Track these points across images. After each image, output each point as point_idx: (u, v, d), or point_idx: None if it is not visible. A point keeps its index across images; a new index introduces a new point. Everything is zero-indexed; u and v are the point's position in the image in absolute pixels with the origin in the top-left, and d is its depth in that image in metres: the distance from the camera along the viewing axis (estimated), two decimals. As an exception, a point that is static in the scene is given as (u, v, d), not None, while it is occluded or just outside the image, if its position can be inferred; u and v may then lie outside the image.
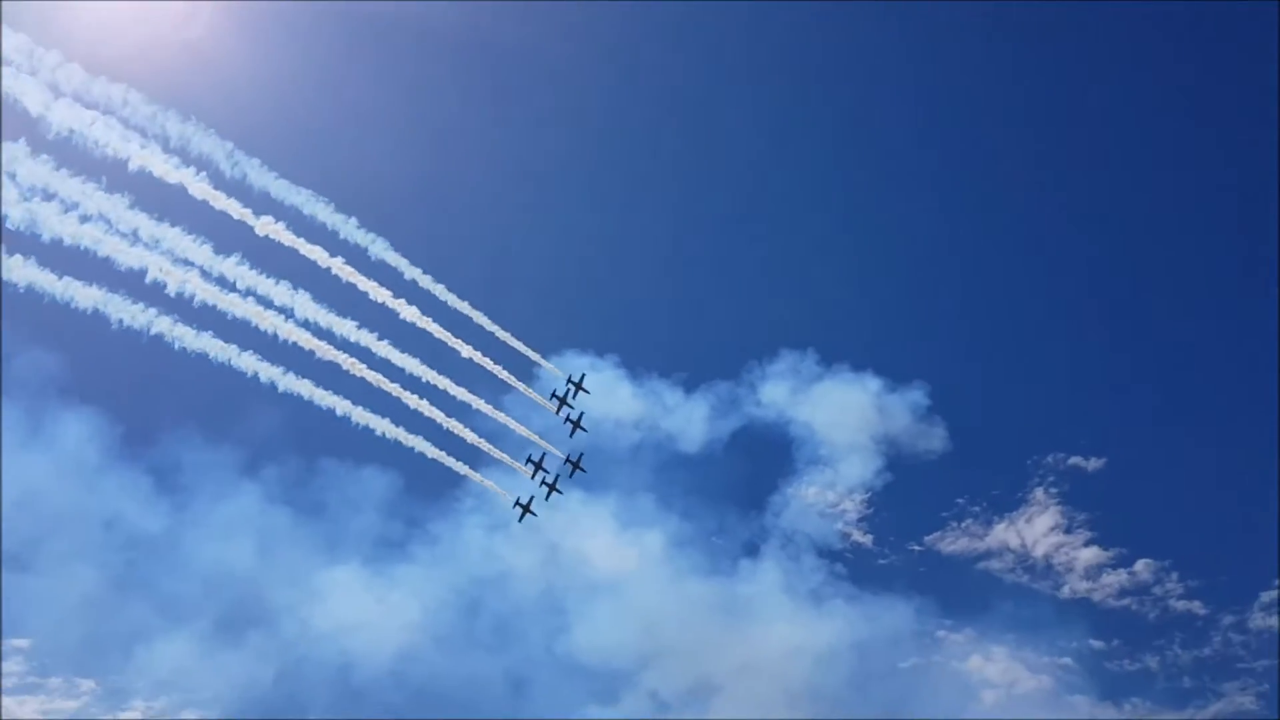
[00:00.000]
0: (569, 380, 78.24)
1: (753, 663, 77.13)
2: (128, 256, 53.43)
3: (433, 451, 68.33)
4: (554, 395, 77.74)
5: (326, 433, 65.48)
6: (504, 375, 69.10)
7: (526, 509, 76.57)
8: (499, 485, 74.20)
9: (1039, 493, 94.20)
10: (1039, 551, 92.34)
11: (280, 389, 62.36)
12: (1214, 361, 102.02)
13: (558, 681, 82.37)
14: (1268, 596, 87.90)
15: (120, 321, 55.42)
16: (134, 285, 55.23)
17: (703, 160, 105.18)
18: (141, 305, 56.05)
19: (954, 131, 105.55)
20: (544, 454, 76.60)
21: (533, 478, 76.47)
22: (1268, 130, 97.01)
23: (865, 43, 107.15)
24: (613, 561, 75.62)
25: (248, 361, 60.53)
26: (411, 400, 66.19)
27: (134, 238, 53.51)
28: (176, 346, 57.41)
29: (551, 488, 76.87)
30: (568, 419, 78.23)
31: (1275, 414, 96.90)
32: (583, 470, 78.61)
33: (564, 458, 77.82)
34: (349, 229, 61.78)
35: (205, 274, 56.25)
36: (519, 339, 70.16)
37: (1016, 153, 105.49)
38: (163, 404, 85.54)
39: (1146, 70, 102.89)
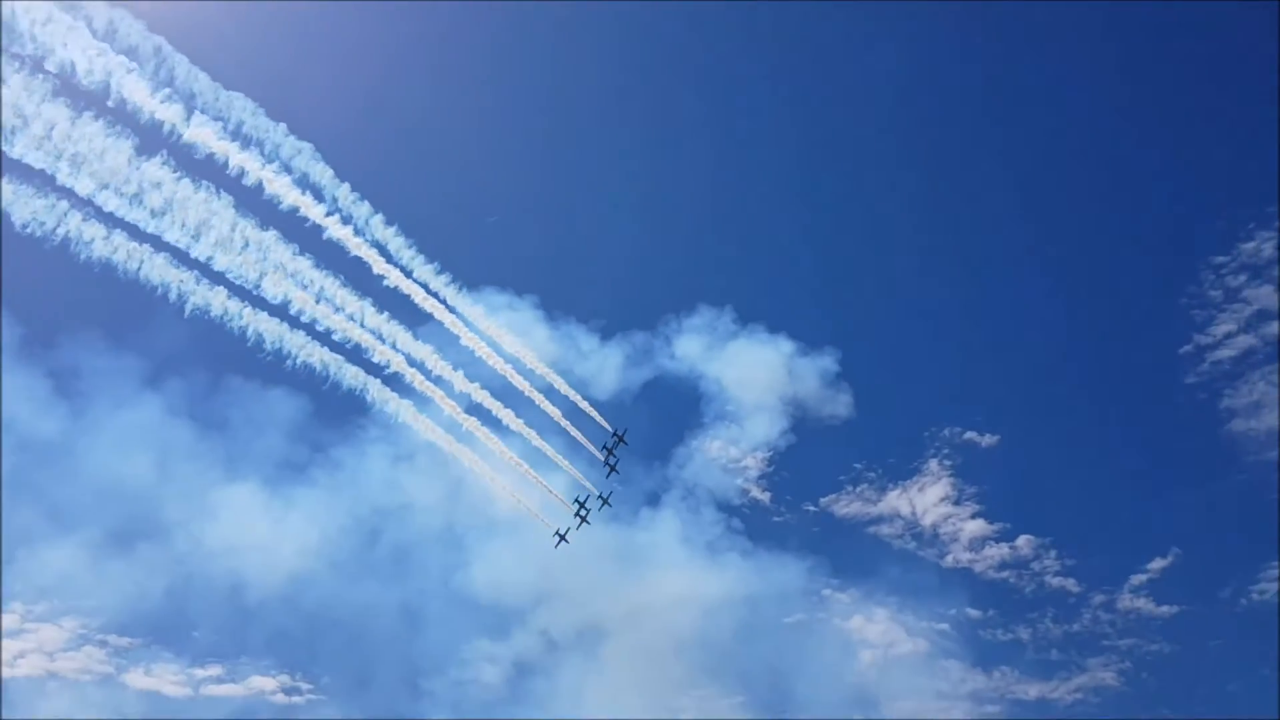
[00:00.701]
0: (614, 433, 78.66)
1: (644, 609, 78.65)
2: (38, 157, 51.53)
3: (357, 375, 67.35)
4: (605, 448, 78.46)
5: (236, 350, 63.89)
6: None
7: (563, 538, 76.72)
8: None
9: (933, 464, 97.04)
10: (928, 520, 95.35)
11: (190, 301, 60.83)
12: (1113, 354, 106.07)
13: (451, 614, 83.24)
14: (1137, 579, 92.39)
15: (26, 223, 53.51)
16: (41, 184, 53.35)
17: (641, 111, 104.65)
18: (49, 202, 54.07)
19: (883, 101, 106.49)
20: (589, 496, 77.59)
21: (577, 514, 76.90)
22: (1170, 121, 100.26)
23: (801, 5, 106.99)
24: (515, 501, 75.89)
25: (158, 269, 58.80)
26: (331, 321, 65.02)
27: (47, 137, 51.58)
28: (83, 256, 55.64)
29: (584, 519, 77.68)
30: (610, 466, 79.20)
31: (1161, 407, 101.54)
32: (609, 505, 79.60)
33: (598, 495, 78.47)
34: (279, 136, 59.96)
35: (122, 178, 54.50)
36: (445, 270, 69.40)
37: (939, 128, 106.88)
38: (66, 308, 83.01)
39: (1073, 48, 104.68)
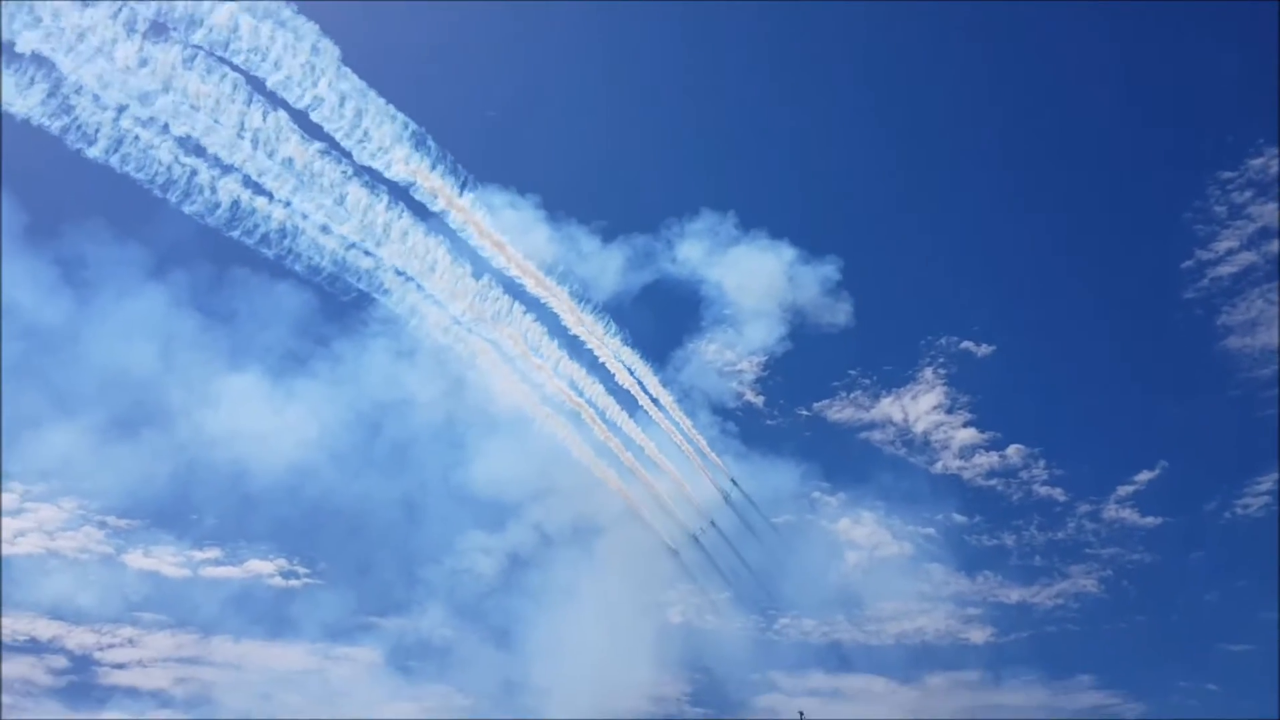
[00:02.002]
0: (731, 479, 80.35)
1: (638, 507, 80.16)
2: (39, 42, 50.97)
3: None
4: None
5: (241, 242, 63.91)
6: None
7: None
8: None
9: (928, 372, 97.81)
10: (919, 428, 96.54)
11: (196, 192, 60.67)
12: (1115, 267, 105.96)
13: (448, 508, 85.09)
14: (1124, 490, 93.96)
15: (29, 111, 53.21)
16: (44, 71, 52.87)
17: (649, 10, 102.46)
18: (51, 87, 53.64)
19: (894, 8, 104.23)
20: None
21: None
22: (1181, 34, 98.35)
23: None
24: (515, 399, 76.86)
25: (163, 158, 58.58)
26: (336, 214, 64.85)
27: (50, 23, 50.97)
28: (87, 144, 55.45)
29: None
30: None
31: (1158, 322, 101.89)
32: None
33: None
34: (286, 16, 58.68)
35: (126, 65, 53.90)
36: (447, 166, 68.90)
37: (945, 41, 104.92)
38: (70, 197, 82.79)
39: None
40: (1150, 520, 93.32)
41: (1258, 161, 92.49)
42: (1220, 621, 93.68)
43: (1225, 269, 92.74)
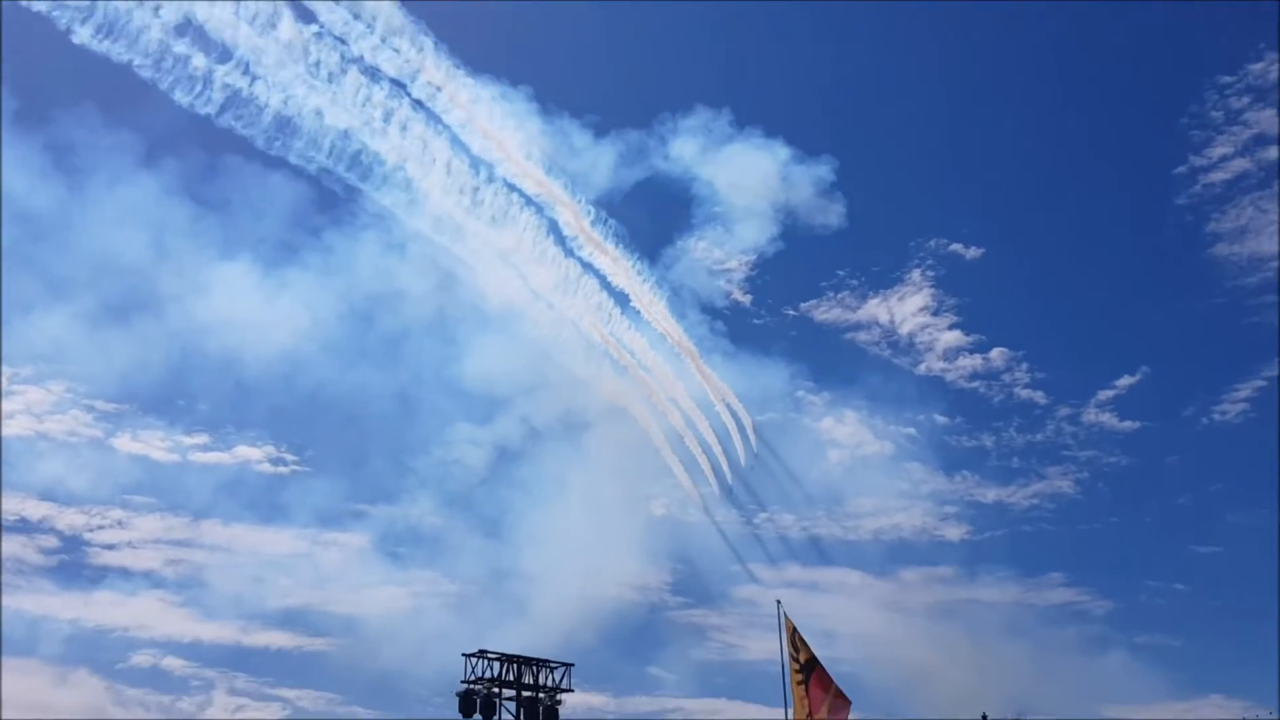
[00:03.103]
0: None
1: (625, 404, 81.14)
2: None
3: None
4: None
5: (234, 130, 63.05)
6: None
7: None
8: None
9: (916, 274, 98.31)
10: (905, 329, 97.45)
11: (189, 79, 59.52)
12: (1108, 172, 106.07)
13: (437, 400, 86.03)
14: (1104, 395, 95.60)
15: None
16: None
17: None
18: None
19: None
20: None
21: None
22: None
23: None
24: (506, 295, 77.05)
25: (156, 44, 57.37)
26: (329, 102, 63.92)
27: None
28: (78, 35, 54.24)
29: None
30: None
31: (1148, 227, 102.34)
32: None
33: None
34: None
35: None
36: (440, 54, 67.68)
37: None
38: (63, 83, 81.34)
39: None
40: (1128, 424, 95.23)
41: (1257, 66, 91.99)
42: (1191, 524, 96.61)
43: (1218, 175, 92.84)
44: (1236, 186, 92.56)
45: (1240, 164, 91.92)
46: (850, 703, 33.05)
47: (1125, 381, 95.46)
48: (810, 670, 33.05)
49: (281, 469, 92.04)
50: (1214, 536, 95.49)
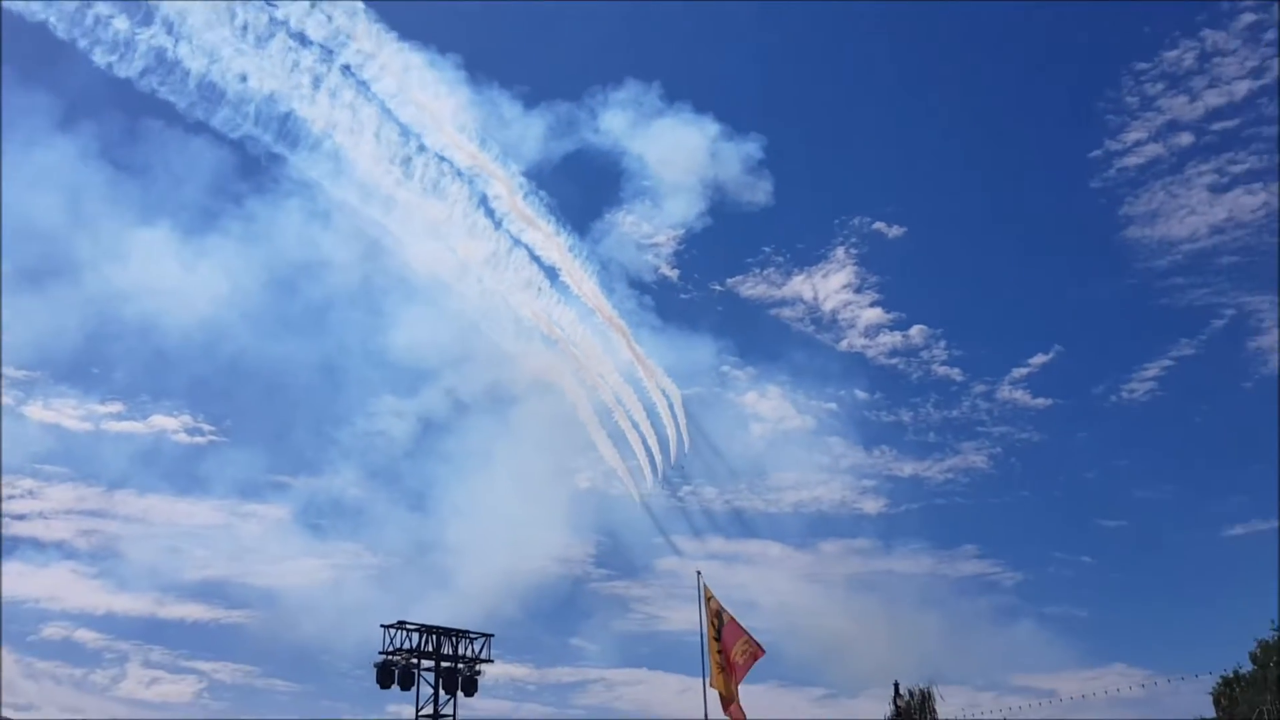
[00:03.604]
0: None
1: (553, 378, 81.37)
2: None
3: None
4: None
5: (154, 93, 61.64)
6: None
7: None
8: None
9: (840, 251, 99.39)
10: (828, 306, 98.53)
11: (110, 40, 58.12)
12: (1027, 155, 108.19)
13: (362, 371, 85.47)
14: (1018, 372, 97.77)
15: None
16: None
17: None
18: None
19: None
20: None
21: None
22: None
23: None
24: (434, 267, 76.59)
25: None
26: (255, 66, 62.79)
27: None
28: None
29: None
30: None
31: (1064, 209, 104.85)
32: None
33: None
34: None
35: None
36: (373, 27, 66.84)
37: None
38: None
39: None
40: (1040, 401, 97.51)
41: (1172, 54, 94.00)
42: (1098, 499, 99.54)
43: (1132, 160, 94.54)
44: (1149, 171, 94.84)
45: (1153, 149, 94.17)
46: (764, 652, 33.88)
47: (1039, 360, 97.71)
48: (722, 624, 33.75)
49: (199, 439, 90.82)
50: (1120, 511, 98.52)
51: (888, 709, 65.66)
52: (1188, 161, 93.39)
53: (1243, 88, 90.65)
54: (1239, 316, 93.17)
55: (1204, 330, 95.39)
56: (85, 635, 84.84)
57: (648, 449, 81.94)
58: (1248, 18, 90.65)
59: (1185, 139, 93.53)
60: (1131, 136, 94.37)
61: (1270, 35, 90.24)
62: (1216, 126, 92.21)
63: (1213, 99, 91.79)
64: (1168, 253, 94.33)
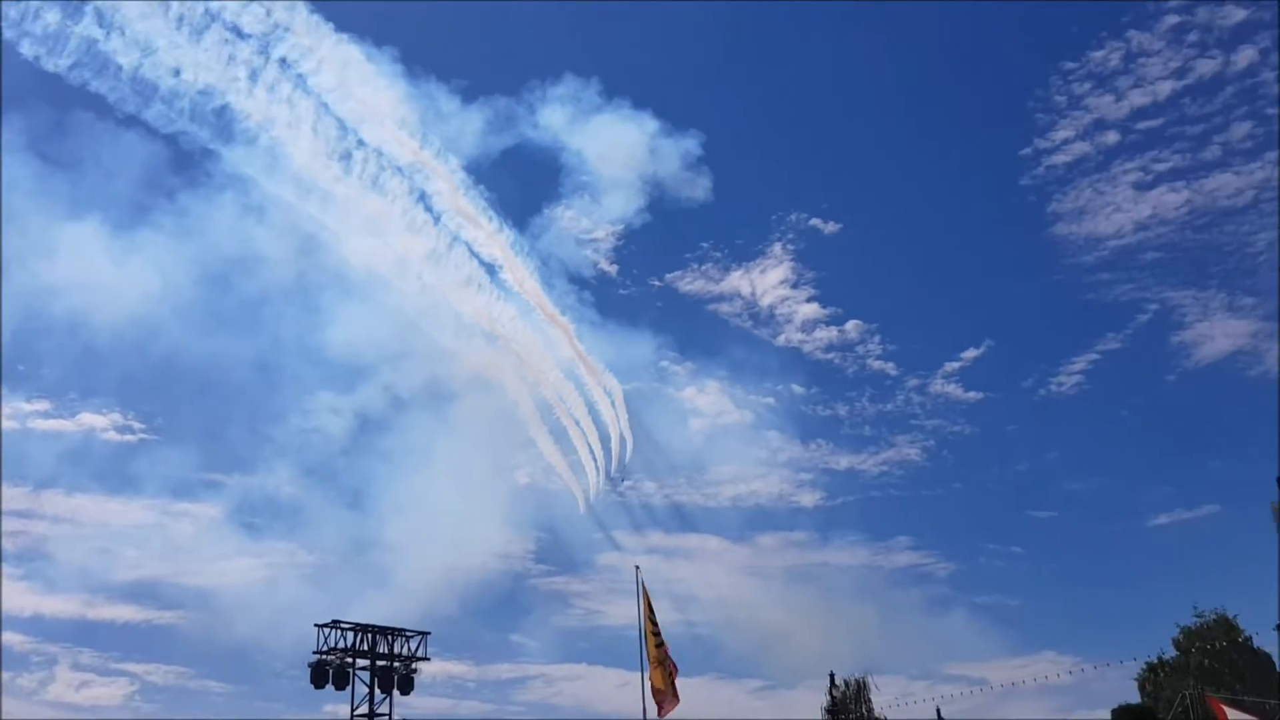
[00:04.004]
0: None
1: (492, 374, 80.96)
2: None
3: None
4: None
5: (86, 86, 60.26)
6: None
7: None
8: None
9: (777, 247, 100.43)
10: (765, 301, 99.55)
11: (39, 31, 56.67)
12: (959, 152, 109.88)
13: (297, 368, 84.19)
14: (951, 367, 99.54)
15: None
16: None
17: None
18: None
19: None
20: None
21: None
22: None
23: None
24: (372, 262, 75.69)
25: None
26: (187, 59, 61.57)
27: None
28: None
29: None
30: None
31: (995, 206, 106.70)
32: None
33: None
34: None
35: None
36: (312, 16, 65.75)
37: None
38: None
39: None
40: (972, 395, 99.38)
41: (1099, 54, 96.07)
42: (1029, 490, 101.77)
43: (1060, 158, 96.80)
44: (1077, 169, 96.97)
45: (1081, 147, 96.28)
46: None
47: (970, 354, 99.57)
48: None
49: (129, 437, 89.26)
50: (1049, 502, 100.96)
51: (824, 700, 66.76)
52: (1114, 160, 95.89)
53: (1166, 88, 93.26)
54: (1163, 311, 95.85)
55: (1129, 325, 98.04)
56: (12, 638, 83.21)
57: (589, 446, 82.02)
58: (1171, 19, 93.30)
59: (1111, 137, 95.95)
60: (1060, 135, 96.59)
61: (1192, 37, 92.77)
62: (1141, 125, 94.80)
63: (1138, 98, 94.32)
64: (1094, 249, 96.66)
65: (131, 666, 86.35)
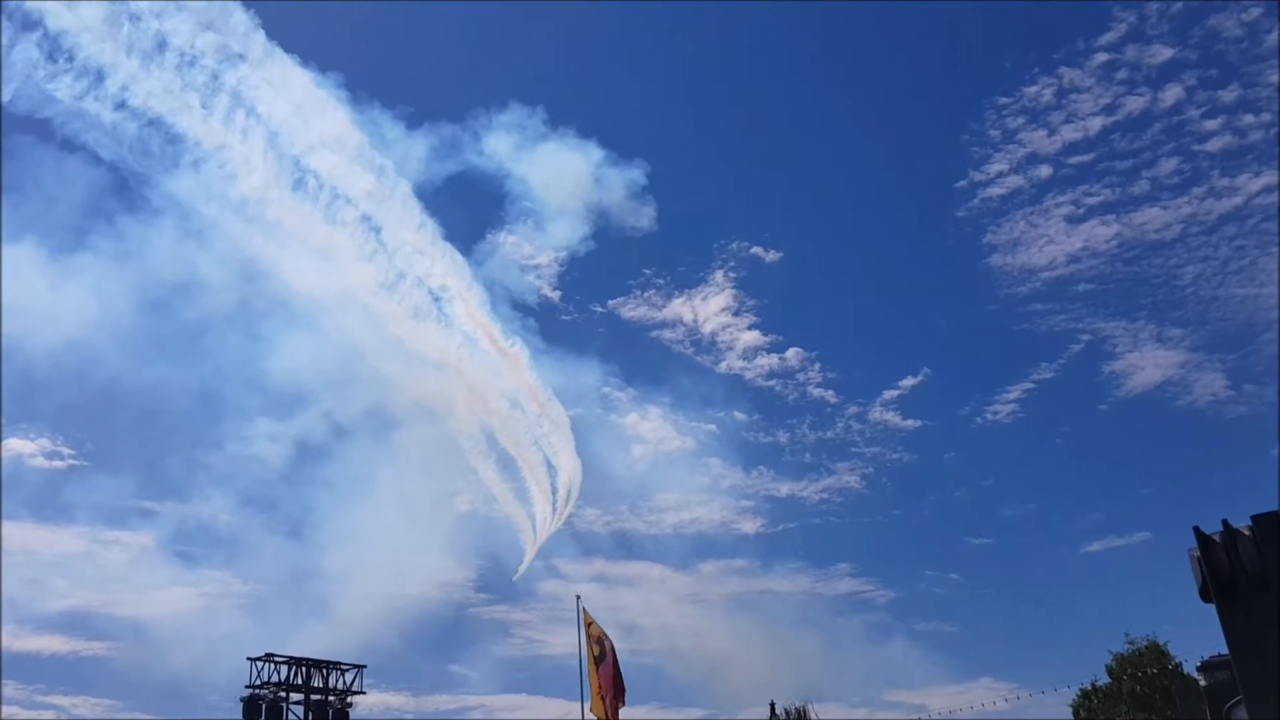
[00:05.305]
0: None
1: (435, 402, 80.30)
2: None
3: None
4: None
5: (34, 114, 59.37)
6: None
7: None
8: None
9: (719, 275, 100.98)
10: (707, 328, 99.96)
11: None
12: (897, 184, 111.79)
13: (235, 395, 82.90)
14: (889, 394, 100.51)
15: None
16: None
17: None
18: None
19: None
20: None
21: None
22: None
23: None
24: (314, 289, 74.87)
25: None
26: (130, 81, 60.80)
27: None
28: None
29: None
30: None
31: (931, 237, 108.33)
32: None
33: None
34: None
35: None
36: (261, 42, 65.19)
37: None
38: None
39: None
40: (911, 423, 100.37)
41: (1032, 89, 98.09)
42: (966, 517, 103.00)
43: (995, 190, 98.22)
44: (1011, 201, 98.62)
45: (1014, 180, 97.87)
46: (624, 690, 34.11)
47: (909, 382, 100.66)
48: (604, 652, 33.90)
49: (57, 463, 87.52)
50: (986, 529, 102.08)
51: (764, 728, 66.70)
52: (1046, 193, 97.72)
53: (1097, 123, 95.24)
54: (1095, 341, 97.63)
55: (1062, 354, 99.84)
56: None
57: (536, 476, 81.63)
58: (1101, 57, 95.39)
59: (1044, 171, 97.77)
60: (994, 168, 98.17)
61: (1122, 74, 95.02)
62: (1073, 160, 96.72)
63: (1069, 133, 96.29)
64: (1028, 280, 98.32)
65: (58, 699, 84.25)
